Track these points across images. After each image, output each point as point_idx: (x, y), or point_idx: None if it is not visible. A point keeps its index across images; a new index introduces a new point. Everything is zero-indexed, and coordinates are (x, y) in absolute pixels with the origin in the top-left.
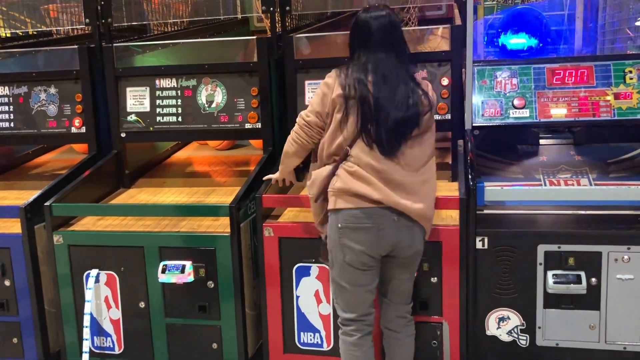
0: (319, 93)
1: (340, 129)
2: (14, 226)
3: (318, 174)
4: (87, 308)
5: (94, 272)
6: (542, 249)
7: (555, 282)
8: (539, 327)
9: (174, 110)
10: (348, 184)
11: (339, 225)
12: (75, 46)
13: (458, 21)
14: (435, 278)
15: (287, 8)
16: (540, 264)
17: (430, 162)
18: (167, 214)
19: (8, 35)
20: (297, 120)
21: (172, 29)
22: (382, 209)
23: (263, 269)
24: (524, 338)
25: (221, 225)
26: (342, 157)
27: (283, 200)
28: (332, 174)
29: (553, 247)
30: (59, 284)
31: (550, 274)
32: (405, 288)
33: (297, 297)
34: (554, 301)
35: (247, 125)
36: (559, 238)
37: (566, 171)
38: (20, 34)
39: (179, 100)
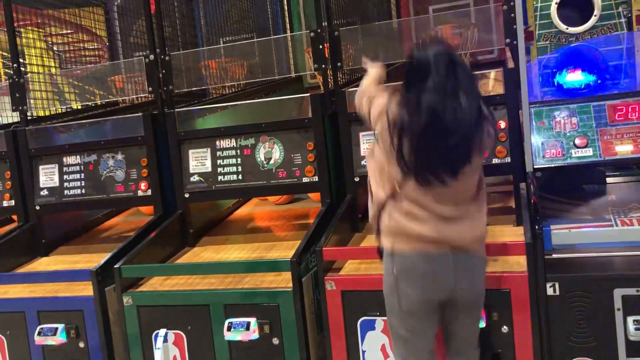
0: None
1: (389, 163)
2: (86, 289)
3: (376, 196)
4: None
5: (162, 332)
6: (619, 293)
7: (637, 329)
8: None
9: (234, 169)
10: (400, 223)
11: (394, 271)
12: (140, 114)
13: (511, 64)
14: (506, 327)
15: (339, 64)
16: (619, 309)
17: (480, 195)
18: (230, 271)
19: (79, 107)
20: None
21: (230, 91)
22: (438, 253)
23: (327, 323)
24: None
25: (283, 280)
26: (391, 193)
27: (344, 253)
28: (383, 206)
29: (631, 291)
30: (130, 344)
31: (630, 319)
32: (470, 334)
33: (364, 352)
34: (638, 350)
35: (305, 179)
36: (636, 281)
37: (638, 210)
38: (90, 105)
39: (239, 159)
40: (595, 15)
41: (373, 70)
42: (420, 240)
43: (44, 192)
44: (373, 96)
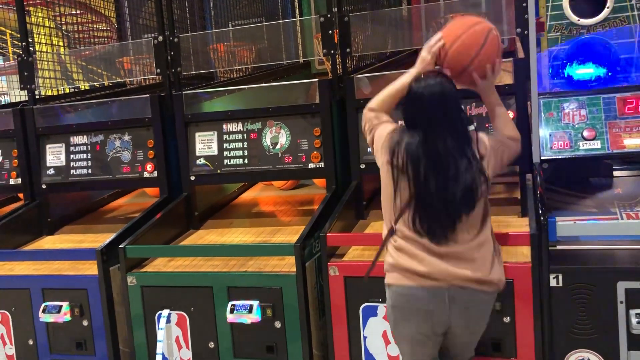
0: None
1: (389, 204)
2: (91, 268)
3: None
4: (159, 348)
5: (165, 312)
6: (622, 286)
7: (639, 322)
8: None
9: (240, 152)
10: (396, 259)
11: (390, 303)
12: (147, 95)
13: (521, 54)
14: (508, 317)
15: (347, 50)
16: (622, 302)
17: (485, 226)
18: (234, 254)
19: (87, 87)
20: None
21: (238, 75)
22: (432, 289)
23: (329, 308)
24: None
25: (287, 265)
26: (389, 231)
27: (348, 239)
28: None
29: (634, 285)
30: (133, 324)
31: (633, 313)
32: (467, 354)
33: (365, 337)
34: (639, 343)
35: (311, 165)
36: None
37: None
38: (97, 85)
39: (245, 143)
40: (607, 8)
41: (403, 80)
42: (416, 277)
43: (51, 171)
44: (375, 124)
